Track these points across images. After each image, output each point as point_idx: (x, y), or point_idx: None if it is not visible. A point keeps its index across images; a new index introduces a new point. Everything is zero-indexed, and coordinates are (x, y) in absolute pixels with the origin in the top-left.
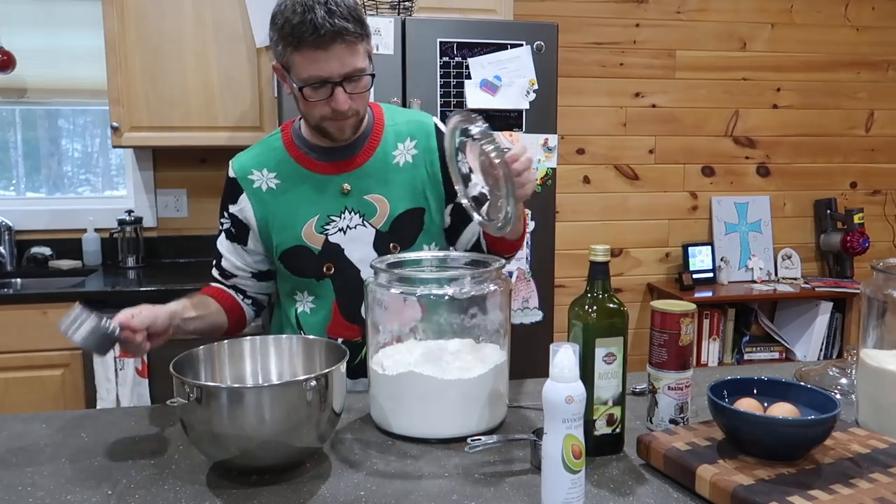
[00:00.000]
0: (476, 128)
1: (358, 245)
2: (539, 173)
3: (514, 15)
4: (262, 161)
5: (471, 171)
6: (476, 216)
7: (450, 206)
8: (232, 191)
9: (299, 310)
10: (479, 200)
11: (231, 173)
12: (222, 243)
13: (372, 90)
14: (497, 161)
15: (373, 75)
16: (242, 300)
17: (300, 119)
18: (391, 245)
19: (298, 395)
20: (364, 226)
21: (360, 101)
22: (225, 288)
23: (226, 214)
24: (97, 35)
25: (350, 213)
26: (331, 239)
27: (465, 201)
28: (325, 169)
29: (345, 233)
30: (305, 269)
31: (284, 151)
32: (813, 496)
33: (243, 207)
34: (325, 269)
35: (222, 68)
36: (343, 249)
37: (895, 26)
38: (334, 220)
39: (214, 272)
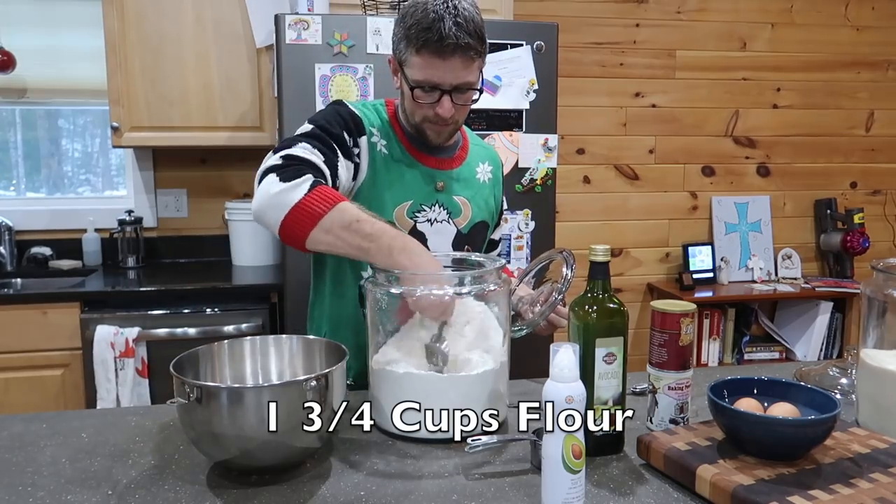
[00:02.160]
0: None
1: (440, 239)
2: (539, 173)
3: (514, 15)
4: (376, 124)
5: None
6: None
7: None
8: (357, 126)
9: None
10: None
11: (355, 110)
12: (339, 159)
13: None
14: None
15: (480, 90)
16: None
17: (401, 106)
18: (466, 247)
19: (298, 395)
20: (449, 223)
21: (462, 111)
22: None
23: (351, 141)
24: (97, 35)
25: (440, 207)
26: (418, 227)
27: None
28: (426, 161)
29: (431, 224)
30: None
31: (391, 126)
32: (813, 496)
33: (363, 150)
34: None
35: (222, 68)
36: (427, 239)
37: (895, 26)
38: (425, 211)
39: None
